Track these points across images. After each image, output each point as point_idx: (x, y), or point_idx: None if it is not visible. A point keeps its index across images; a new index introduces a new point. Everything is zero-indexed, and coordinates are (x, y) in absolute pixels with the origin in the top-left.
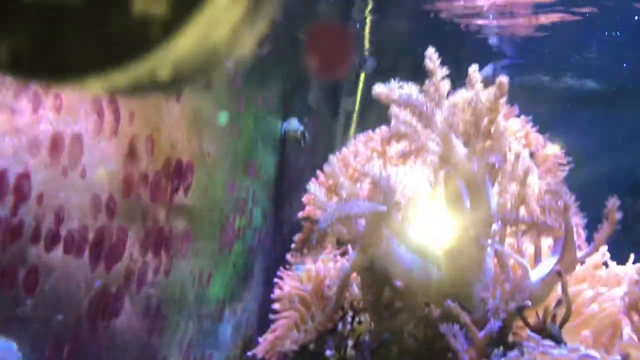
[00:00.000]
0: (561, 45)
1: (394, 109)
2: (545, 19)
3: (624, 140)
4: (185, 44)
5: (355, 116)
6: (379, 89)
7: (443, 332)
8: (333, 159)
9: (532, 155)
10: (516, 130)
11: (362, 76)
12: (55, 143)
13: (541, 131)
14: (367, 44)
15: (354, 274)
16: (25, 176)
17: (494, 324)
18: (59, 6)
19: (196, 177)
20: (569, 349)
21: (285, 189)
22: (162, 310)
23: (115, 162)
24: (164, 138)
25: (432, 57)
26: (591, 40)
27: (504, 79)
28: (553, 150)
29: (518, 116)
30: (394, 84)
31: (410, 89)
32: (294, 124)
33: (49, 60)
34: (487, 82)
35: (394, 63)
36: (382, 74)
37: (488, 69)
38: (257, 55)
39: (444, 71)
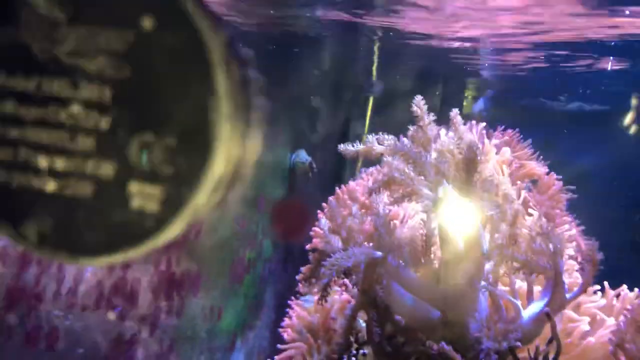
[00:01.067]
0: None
1: (386, 158)
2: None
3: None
4: (174, 232)
5: (364, 138)
6: (353, 148)
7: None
8: (332, 201)
9: (534, 182)
10: (513, 159)
11: (371, 100)
12: None
13: (545, 152)
14: (374, 70)
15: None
16: None
17: None
18: (74, 198)
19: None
20: None
21: (297, 216)
22: (174, 349)
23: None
24: None
25: (419, 104)
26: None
27: (473, 140)
28: (553, 178)
29: (519, 140)
30: (371, 137)
31: (400, 140)
32: (302, 156)
33: (66, 241)
34: (481, 115)
35: (399, 87)
36: (389, 97)
37: (480, 103)
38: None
39: (431, 117)
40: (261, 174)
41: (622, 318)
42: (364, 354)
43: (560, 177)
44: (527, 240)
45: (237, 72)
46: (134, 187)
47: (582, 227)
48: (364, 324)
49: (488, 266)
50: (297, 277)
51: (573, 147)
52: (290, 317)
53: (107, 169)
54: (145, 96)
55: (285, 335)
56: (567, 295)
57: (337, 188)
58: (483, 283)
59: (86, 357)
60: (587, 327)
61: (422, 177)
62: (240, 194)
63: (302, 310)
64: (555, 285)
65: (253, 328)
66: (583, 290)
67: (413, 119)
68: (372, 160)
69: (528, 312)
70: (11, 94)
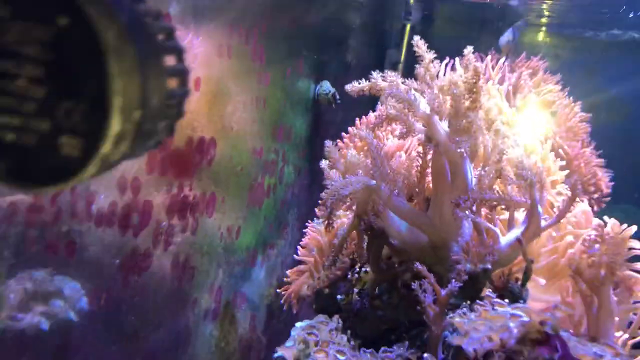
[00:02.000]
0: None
1: (383, 97)
2: None
3: None
4: (91, 171)
5: (401, 67)
6: (359, 85)
7: (413, 288)
8: (327, 141)
9: (553, 114)
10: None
11: (408, 27)
12: None
13: (582, 81)
14: None
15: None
16: None
17: (454, 285)
18: (24, 146)
19: (220, 149)
20: (512, 307)
21: (321, 144)
22: (190, 262)
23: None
24: (185, 122)
25: (418, 44)
26: None
27: (477, 65)
28: (573, 109)
29: (547, 72)
30: (376, 75)
31: (393, 79)
32: (325, 87)
33: (21, 177)
34: (509, 46)
35: (436, 13)
36: (426, 24)
37: (508, 34)
38: (283, 29)
39: (432, 54)
40: (280, 105)
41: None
42: (366, 272)
43: (581, 108)
44: (510, 174)
45: (133, 50)
46: (62, 138)
47: (601, 160)
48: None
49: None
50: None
51: (615, 75)
52: (306, 237)
53: (44, 125)
54: (66, 74)
55: (298, 252)
56: (542, 224)
57: (357, 119)
58: (466, 212)
59: (102, 267)
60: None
61: (414, 114)
62: (257, 126)
63: (314, 232)
64: (530, 216)
65: (275, 246)
66: (557, 220)
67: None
68: None
69: (506, 239)
70: None
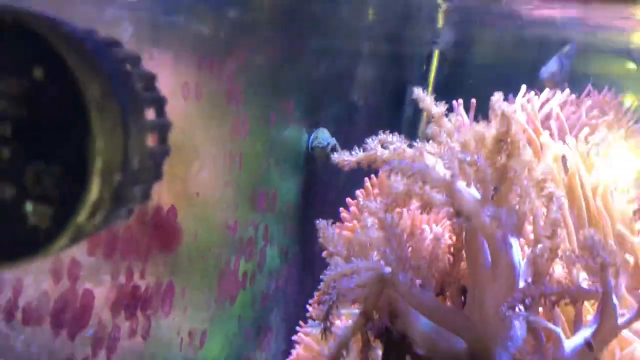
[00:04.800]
0: None
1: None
2: None
3: None
4: (61, 244)
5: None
6: (350, 158)
7: None
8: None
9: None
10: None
11: (436, 54)
12: None
13: None
14: (440, 16)
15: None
16: None
17: None
18: None
19: (182, 222)
20: None
21: (315, 216)
22: None
23: None
24: None
25: (420, 96)
26: None
27: (508, 110)
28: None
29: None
30: (372, 144)
31: (397, 145)
32: (322, 137)
33: None
34: (554, 81)
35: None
36: (461, 50)
37: (553, 64)
38: (267, 62)
39: (442, 107)
40: (259, 164)
41: None
42: None
43: None
44: (572, 254)
45: (116, 104)
46: (28, 206)
47: None
48: (381, 352)
49: (523, 286)
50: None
51: None
52: (296, 348)
53: (8, 192)
54: (36, 132)
55: None
56: (619, 321)
57: (366, 180)
58: (517, 309)
59: None
60: None
61: (430, 184)
62: (230, 191)
63: (309, 339)
64: (603, 309)
65: None
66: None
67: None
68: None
69: (571, 343)
70: None
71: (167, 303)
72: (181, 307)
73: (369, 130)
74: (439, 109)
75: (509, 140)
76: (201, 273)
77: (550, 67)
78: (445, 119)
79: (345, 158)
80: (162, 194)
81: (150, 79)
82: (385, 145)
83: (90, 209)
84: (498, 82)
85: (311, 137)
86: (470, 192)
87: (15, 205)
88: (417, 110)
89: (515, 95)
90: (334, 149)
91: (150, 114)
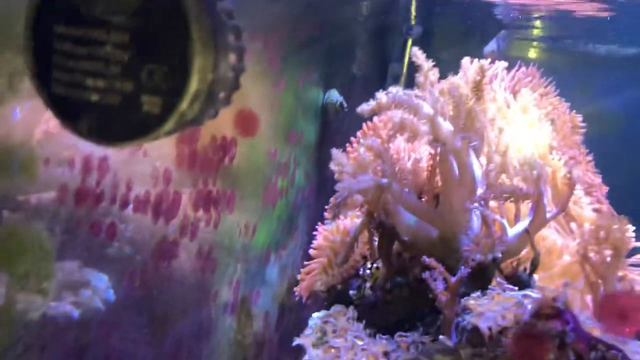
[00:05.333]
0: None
1: (388, 113)
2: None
3: None
4: (169, 127)
5: (403, 80)
6: (368, 106)
7: (424, 278)
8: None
9: (552, 121)
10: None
11: (410, 42)
12: None
13: (576, 94)
14: (413, 12)
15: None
16: (104, 158)
17: (463, 271)
18: (109, 105)
19: (239, 148)
20: (523, 292)
21: (328, 151)
22: (212, 254)
23: (169, 143)
24: (210, 123)
25: (416, 54)
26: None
27: (482, 63)
28: (571, 117)
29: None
30: (379, 94)
31: (396, 92)
32: (333, 96)
33: (105, 133)
34: (494, 56)
35: (441, 29)
36: (428, 40)
37: (492, 43)
38: (297, 41)
39: (430, 63)
40: (292, 110)
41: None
42: (377, 268)
43: (580, 115)
44: (516, 169)
45: (209, 21)
46: (144, 97)
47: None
48: (377, 240)
49: (480, 191)
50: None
51: (604, 89)
52: (317, 238)
53: (127, 86)
54: (148, 39)
55: (311, 252)
56: (547, 215)
57: (364, 125)
58: (475, 204)
59: (138, 250)
60: (559, 241)
61: (418, 117)
62: (272, 128)
63: (326, 232)
64: (536, 207)
65: (286, 247)
66: (561, 210)
67: (452, 59)
68: None
69: (513, 230)
70: (69, 38)
71: (231, 204)
72: (239, 208)
73: (364, 93)
74: (428, 64)
75: (479, 87)
76: (252, 186)
77: (491, 45)
78: (431, 72)
79: (364, 108)
80: (227, 128)
81: (230, 12)
82: (387, 93)
83: (190, 98)
84: (454, 59)
85: (325, 96)
86: (446, 125)
87: (133, 96)
88: (395, 84)
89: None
90: (341, 105)
91: (231, 38)
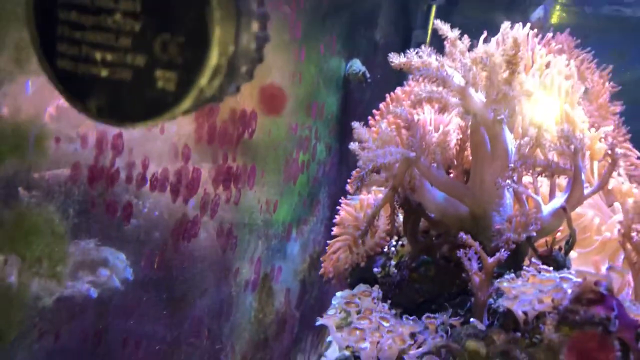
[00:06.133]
0: None
1: (415, 88)
2: None
3: None
4: (186, 105)
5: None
6: (396, 60)
7: (458, 256)
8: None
9: (586, 90)
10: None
11: (433, 8)
12: None
13: (615, 61)
14: None
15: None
16: (119, 135)
17: (502, 253)
18: (119, 81)
19: (259, 122)
20: (559, 273)
21: (350, 123)
22: (233, 232)
23: (187, 118)
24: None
25: (439, 25)
26: None
27: (516, 36)
28: (603, 87)
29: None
30: (411, 53)
31: (426, 57)
32: (355, 65)
33: (115, 111)
34: (540, 23)
35: None
36: (452, 5)
37: (539, 10)
38: (318, 7)
39: (456, 32)
40: (314, 81)
41: (629, 207)
42: (402, 245)
43: (619, 86)
44: (551, 143)
45: None
46: (158, 72)
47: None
48: (402, 217)
49: (513, 167)
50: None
51: None
52: (339, 214)
53: (139, 60)
54: (163, 6)
55: (334, 229)
56: (585, 192)
57: (387, 96)
58: (508, 181)
59: (156, 230)
60: (596, 219)
61: (448, 89)
62: (292, 101)
63: (349, 207)
64: (574, 183)
65: (308, 222)
66: (600, 187)
67: (476, 26)
68: None
69: (548, 208)
70: (75, 7)
71: (251, 180)
72: (260, 184)
73: (387, 63)
74: (454, 33)
75: (513, 60)
76: (273, 160)
77: (537, 13)
78: (459, 41)
79: (395, 61)
80: (246, 100)
81: None
82: (420, 56)
83: (210, 73)
84: (481, 26)
85: (348, 65)
86: (478, 96)
87: (146, 71)
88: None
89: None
90: (364, 75)
91: (254, 4)
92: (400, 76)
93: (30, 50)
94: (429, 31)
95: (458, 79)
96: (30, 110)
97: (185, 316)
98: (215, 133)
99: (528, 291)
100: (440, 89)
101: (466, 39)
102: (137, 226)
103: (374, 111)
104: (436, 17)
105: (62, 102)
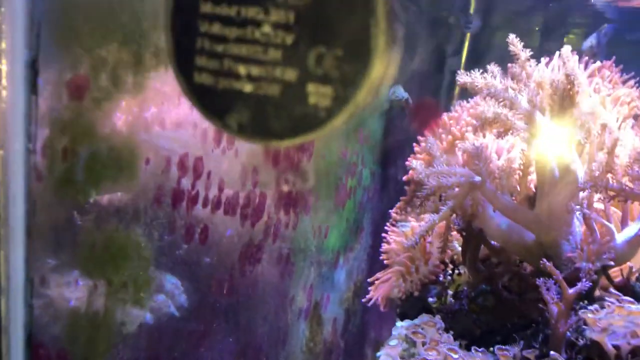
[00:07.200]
0: None
1: (480, 97)
2: None
3: None
4: (339, 122)
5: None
6: (463, 78)
7: (538, 285)
8: (429, 137)
9: (637, 118)
10: (620, 95)
11: (468, 36)
12: (218, 132)
13: None
14: (473, 4)
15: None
16: (200, 159)
17: (585, 284)
18: (265, 97)
19: (316, 148)
20: None
21: (391, 150)
22: (291, 259)
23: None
24: None
25: (513, 41)
26: None
27: (572, 71)
28: None
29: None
30: (476, 73)
31: (491, 79)
32: (398, 92)
33: (259, 128)
34: (592, 52)
35: (501, 23)
36: (488, 33)
37: (592, 39)
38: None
39: (527, 53)
40: (363, 111)
41: None
42: (459, 273)
43: None
44: (624, 167)
45: None
46: (310, 87)
47: None
48: (459, 248)
49: (583, 192)
50: (392, 210)
51: None
52: (388, 242)
53: (290, 74)
54: (319, 17)
55: (385, 257)
56: None
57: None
58: (577, 207)
59: (227, 254)
60: None
61: (515, 112)
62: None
63: (399, 235)
64: None
65: (353, 250)
66: None
67: (511, 57)
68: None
69: (622, 236)
70: (217, 18)
71: (308, 206)
72: (314, 209)
73: (422, 89)
74: (526, 54)
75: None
76: (326, 185)
77: (589, 41)
78: (528, 63)
79: (466, 80)
80: None
81: None
82: (484, 77)
83: (369, 87)
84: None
85: (390, 92)
86: (545, 120)
87: (298, 86)
88: (452, 79)
89: None
90: (407, 101)
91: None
92: (439, 104)
93: (127, 69)
94: (463, 59)
95: (525, 102)
96: (124, 131)
97: (249, 344)
98: (280, 156)
99: (617, 323)
100: (507, 111)
101: (534, 63)
102: (209, 249)
103: (419, 137)
104: (470, 45)
105: (150, 121)
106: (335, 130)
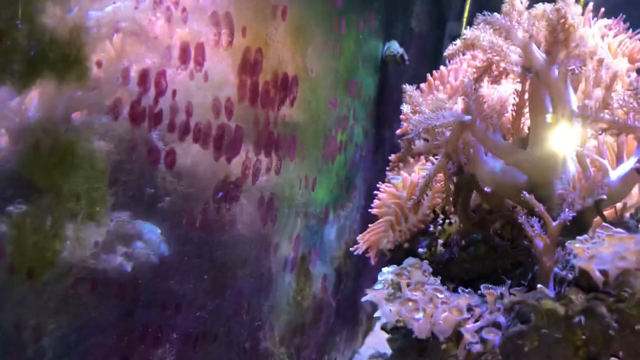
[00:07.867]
0: None
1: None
2: None
3: None
4: None
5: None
6: (454, 47)
7: (520, 222)
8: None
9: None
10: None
11: (468, 1)
12: (184, 50)
13: None
14: None
15: (441, 176)
16: (162, 74)
17: (567, 214)
18: None
19: (301, 90)
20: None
21: (386, 109)
22: (274, 203)
23: (231, 70)
24: (272, 52)
25: None
26: None
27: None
28: None
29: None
30: (466, 31)
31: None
32: (393, 47)
33: None
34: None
35: None
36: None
37: None
38: None
39: None
40: (352, 58)
41: None
42: (450, 223)
43: None
44: (619, 99)
45: None
46: None
47: None
48: (452, 188)
49: (577, 129)
50: (387, 168)
51: None
52: (379, 198)
53: None
54: None
55: (375, 210)
56: None
57: (428, 76)
58: (571, 145)
59: (200, 187)
60: None
61: (510, 43)
62: (332, 74)
63: (390, 187)
64: None
65: (344, 208)
66: None
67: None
68: None
69: (616, 172)
70: None
71: (292, 151)
72: (300, 157)
73: (421, 51)
74: None
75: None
76: (313, 134)
77: None
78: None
79: (450, 49)
80: (289, 65)
81: None
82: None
83: None
84: None
85: (385, 47)
86: (540, 53)
87: None
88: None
89: None
90: (402, 57)
91: None
92: (435, 65)
93: None
94: (464, 24)
95: (521, 33)
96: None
97: (227, 285)
98: (257, 92)
99: (605, 250)
100: (501, 42)
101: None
102: (180, 179)
103: (421, 86)
104: (470, 10)
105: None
106: (322, 77)
